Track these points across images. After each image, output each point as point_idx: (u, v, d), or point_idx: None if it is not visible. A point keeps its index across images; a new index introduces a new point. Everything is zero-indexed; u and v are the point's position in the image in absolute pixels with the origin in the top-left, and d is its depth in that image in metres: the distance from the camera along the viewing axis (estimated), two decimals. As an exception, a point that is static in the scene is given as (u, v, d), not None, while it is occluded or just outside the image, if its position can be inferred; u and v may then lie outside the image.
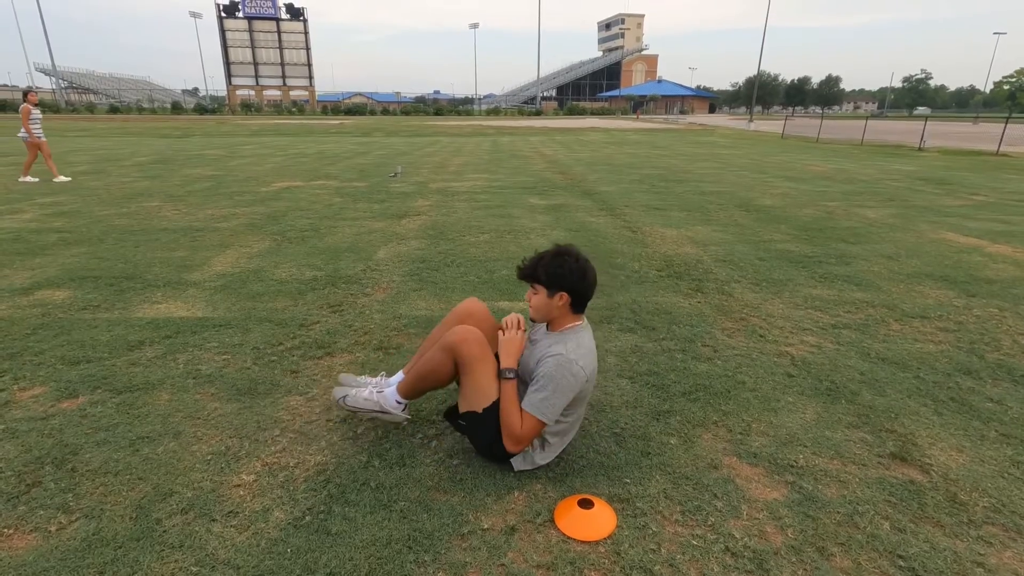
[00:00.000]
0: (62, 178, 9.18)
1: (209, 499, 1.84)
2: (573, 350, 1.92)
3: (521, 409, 1.90)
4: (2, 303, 3.58)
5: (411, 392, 2.16)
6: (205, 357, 2.87)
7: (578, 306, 2.00)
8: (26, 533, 1.69)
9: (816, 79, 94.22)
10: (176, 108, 55.67)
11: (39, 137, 9.18)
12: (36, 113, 9.19)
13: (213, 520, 1.75)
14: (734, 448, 2.15)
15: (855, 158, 15.45)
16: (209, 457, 2.06)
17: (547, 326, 2.06)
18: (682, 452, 2.12)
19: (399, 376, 2.31)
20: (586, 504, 1.79)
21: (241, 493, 1.88)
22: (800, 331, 3.29)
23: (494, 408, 1.95)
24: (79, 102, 60.02)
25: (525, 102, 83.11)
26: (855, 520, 1.78)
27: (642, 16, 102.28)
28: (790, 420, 2.35)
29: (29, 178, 9.11)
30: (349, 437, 2.20)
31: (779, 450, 2.14)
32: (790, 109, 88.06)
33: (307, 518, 1.76)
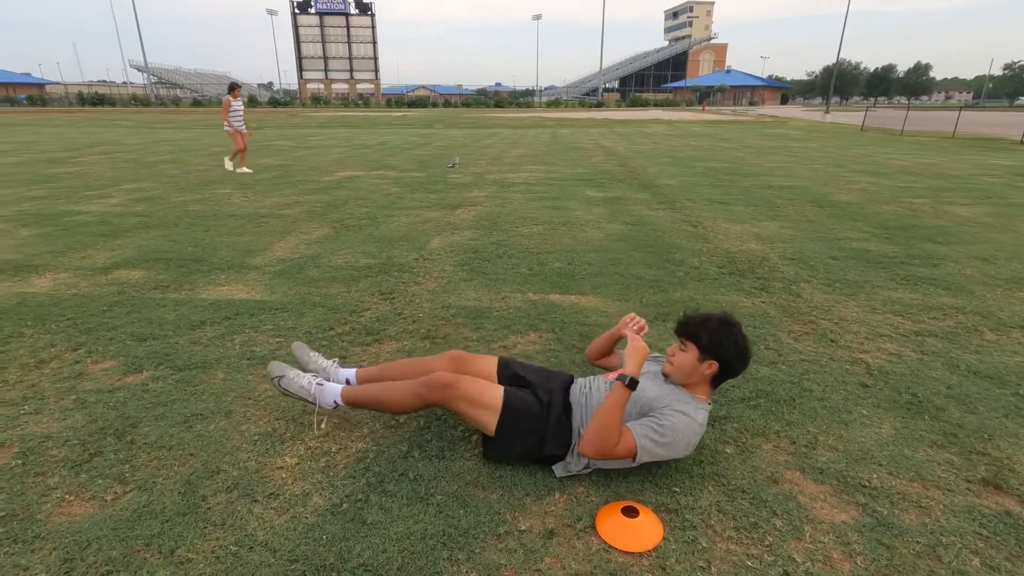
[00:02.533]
0: (244, 169, 9.39)
1: (253, 479, 1.87)
2: (700, 422, 1.83)
3: (629, 427, 1.80)
4: (85, 280, 3.84)
5: (357, 405, 2.10)
6: (260, 339, 2.94)
7: (719, 381, 1.93)
8: (84, 500, 1.77)
9: (903, 67, 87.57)
10: (252, 101, 58.63)
11: (239, 128, 9.43)
12: (236, 105, 9.45)
13: (255, 501, 1.77)
14: (797, 462, 1.98)
15: (945, 152, 14.22)
16: (256, 438, 2.10)
17: (667, 378, 1.96)
18: (739, 463, 1.97)
19: (350, 373, 2.25)
20: (631, 512, 1.68)
21: (283, 476, 1.89)
22: (877, 337, 3.01)
23: (503, 421, 1.89)
24: (167, 96, 64.32)
25: (587, 94, 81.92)
26: (938, 553, 1.58)
27: (712, 3, 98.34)
28: (863, 435, 2.14)
29: (244, 168, 9.39)
30: (391, 425, 2.18)
31: (849, 467, 1.94)
32: (871, 100, 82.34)
33: (344, 505, 1.75)
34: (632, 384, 1.81)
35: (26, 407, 2.29)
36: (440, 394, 1.94)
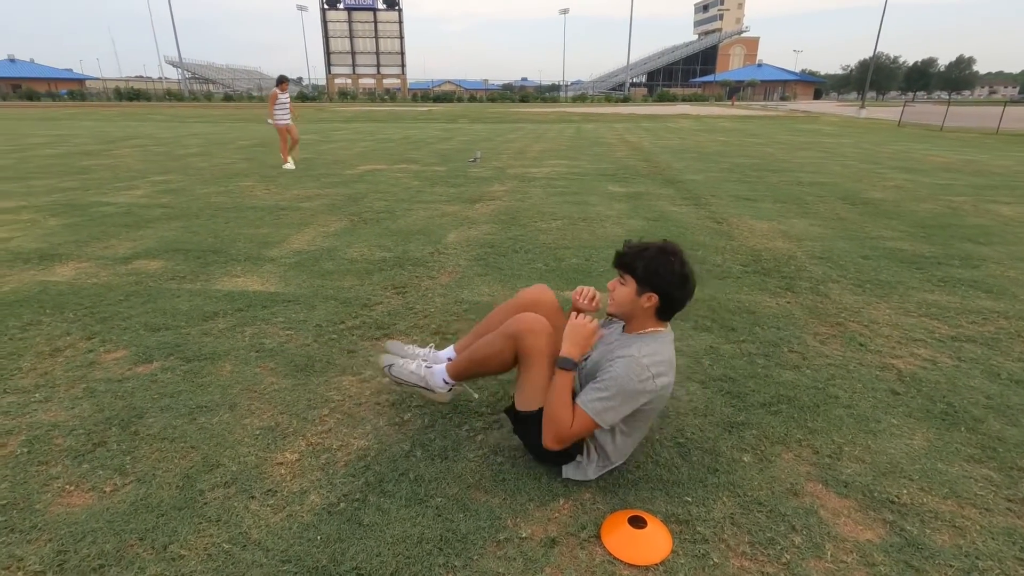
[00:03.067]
0: (288, 165, 9.10)
1: (252, 475, 1.83)
2: (648, 355, 1.70)
3: (575, 405, 1.72)
4: (105, 270, 3.88)
5: (462, 375, 2.04)
6: (270, 331, 2.92)
7: (665, 313, 1.77)
8: (84, 492, 1.75)
9: (944, 61, 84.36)
10: (281, 96, 59.60)
11: (282, 122, 9.07)
12: (283, 99, 9.07)
13: (252, 497, 1.73)
14: (820, 473, 1.86)
15: (988, 148, 13.60)
16: (258, 432, 2.07)
17: (623, 327, 1.85)
18: (756, 472, 1.86)
19: (449, 352, 2.20)
20: (638, 522, 1.59)
21: (282, 472, 1.85)
22: (910, 342, 2.85)
23: (537, 413, 1.79)
24: (199, 91, 65.75)
25: (613, 88, 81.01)
26: (973, 578, 1.45)
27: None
28: (893, 446, 2.00)
29: (289, 164, 9.10)
30: (395, 423, 2.13)
31: (877, 481, 1.82)
32: (910, 94, 79.58)
33: (342, 505, 1.70)
34: (568, 365, 1.72)
35: (37, 395, 2.30)
36: (527, 340, 1.82)
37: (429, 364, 2.12)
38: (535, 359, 1.81)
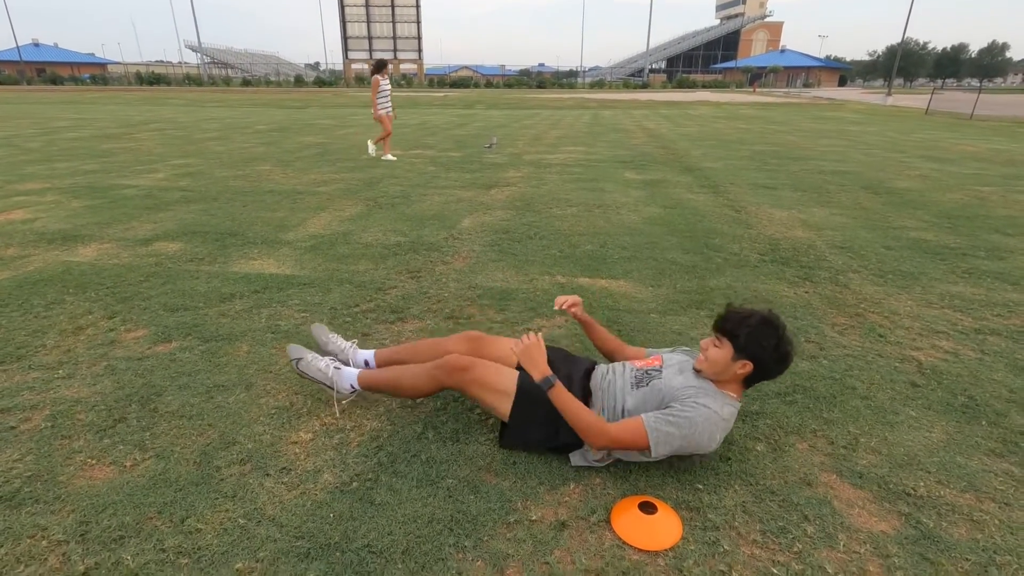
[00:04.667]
0: (389, 156, 8.52)
1: (267, 453, 1.86)
2: (725, 417, 1.70)
3: (640, 418, 1.69)
4: (126, 251, 3.95)
5: (373, 388, 2.08)
6: (286, 313, 2.96)
7: (752, 382, 1.79)
8: (105, 465, 1.80)
9: (976, 47, 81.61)
10: (299, 81, 59.68)
11: (382, 111, 8.48)
12: (384, 85, 8.44)
13: (267, 475, 1.76)
14: (835, 464, 1.84)
15: (1020, 138, 13.18)
16: (273, 411, 2.10)
17: (698, 373, 1.82)
18: (770, 462, 1.85)
19: (368, 355, 2.23)
20: (648, 508, 1.59)
21: (296, 451, 1.88)
22: (932, 334, 2.79)
23: (518, 407, 1.82)
24: (218, 76, 66.15)
25: (632, 75, 79.84)
26: (990, 572, 1.43)
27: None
28: (911, 439, 1.97)
29: (389, 156, 8.51)
30: (408, 405, 2.14)
31: (893, 473, 1.79)
32: (939, 82, 77.23)
33: (354, 484, 1.72)
34: (550, 383, 1.73)
35: (60, 371, 2.36)
36: (455, 378, 1.88)
37: (339, 365, 2.12)
38: (471, 389, 1.87)
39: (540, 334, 1.87)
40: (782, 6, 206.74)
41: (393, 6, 68.24)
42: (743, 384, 1.78)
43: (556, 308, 2.08)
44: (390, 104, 8.59)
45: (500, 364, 1.96)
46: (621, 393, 1.84)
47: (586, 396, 1.90)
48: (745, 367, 1.72)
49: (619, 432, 1.68)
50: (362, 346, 2.45)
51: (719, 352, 1.74)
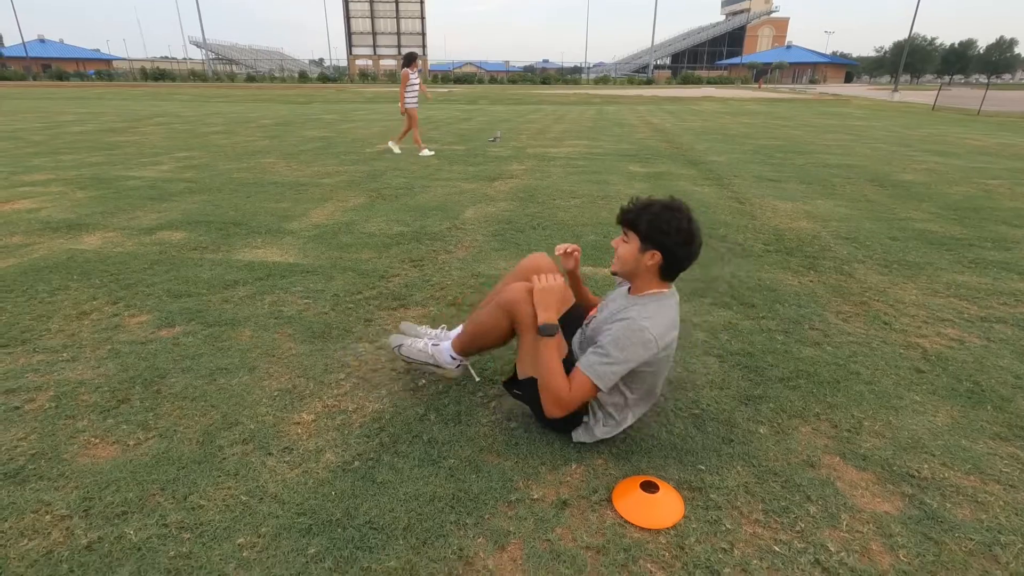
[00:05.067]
0: (426, 151, 8.33)
1: (269, 433, 1.87)
2: (648, 316, 1.67)
3: (575, 369, 1.69)
4: (130, 240, 3.96)
5: (465, 349, 2.04)
6: (289, 300, 2.96)
7: (668, 272, 1.72)
8: (109, 444, 1.81)
9: (984, 43, 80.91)
10: (303, 77, 59.69)
11: (409, 105, 8.23)
12: (413, 79, 8.16)
13: (269, 454, 1.77)
14: (838, 447, 1.83)
15: (1028, 132, 13.07)
16: (276, 393, 2.10)
17: (628, 289, 1.83)
18: (772, 444, 1.84)
19: (457, 331, 2.21)
20: (650, 487, 1.59)
21: (299, 431, 1.88)
22: (937, 322, 2.77)
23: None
24: (223, 72, 66.25)
25: (637, 71, 79.50)
26: (994, 552, 1.42)
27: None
28: (915, 423, 1.96)
29: (426, 151, 8.32)
30: (410, 388, 2.15)
31: (897, 455, 1.78)
32: (946, 78, 76.58)
33: (356, 463, 1.73)
34: (549, 331, 1.70)
35: (64, 354, 2.37)
36: (512, 310, 1.82)
37: (437, 343, 2.13)
38: (529, 327, 1.79)
39: (562, 278, 1.82)
40: (788, 2, 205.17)
41: (397, 2, 68.14)
42: (660, 278, 1.73)
43: (556, 253, 2.04)
44: (417, 99, 8.36)
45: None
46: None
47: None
48: (654, 257, 1.67)
49: (572, 393, 1.67)
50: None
51: (627, 247, 1.71)
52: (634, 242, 1.70)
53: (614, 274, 1.83)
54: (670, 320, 1.72)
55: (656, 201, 1.70)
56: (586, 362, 1.68)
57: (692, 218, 1.68)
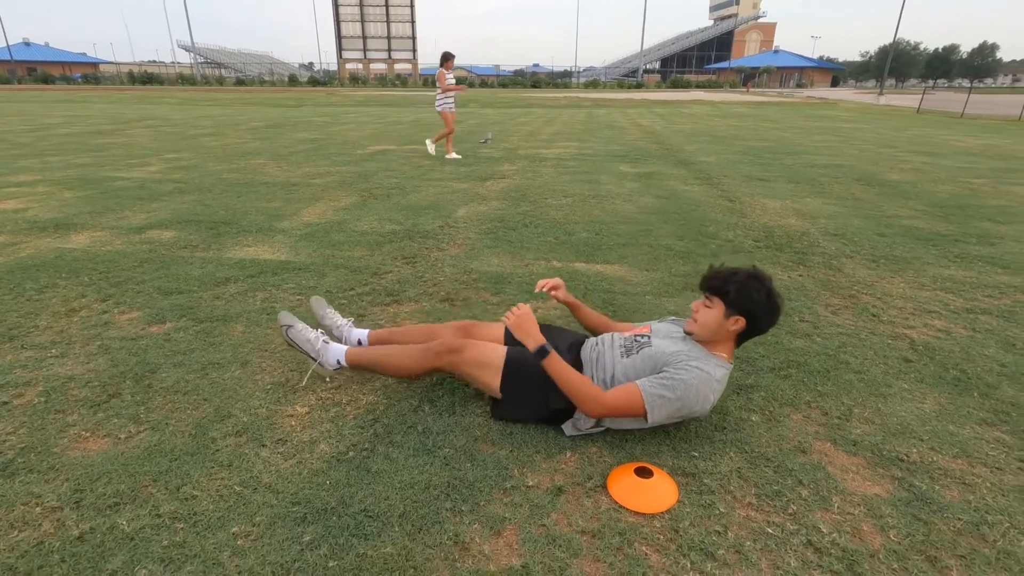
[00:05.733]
0: (453, 155, 8.16)
1: (262, 425, 1.86)
2: (718, 378, 1.72)
3: (635, 384, 1.69)
4: (119, 239, 3.93)
5: (361, 367, 2.06)
6: (281, 296, 2.95)
7: (744, 339, 1.81)
8: (100, 437, 1.79)
9: (967, 48, 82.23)
10: (293, 81, 59.47)
11: (444, 107, 8.11)
12: (449, 79, 8.01)
13: (263, 445, 1.76)
14: (829, 433, 1.85)
15: (1011, 134, 13.31)
16: (269, 387, 2.09)
17: (688, 336, 1.84)
18: (764, 431, 1.86)
19: (362, 334, 2.23)
20: (644, 473, 1.60)
21: (292, 423, 1.88)
22: (924, 313, 2.81)
23: (506, 378, 1.83)
24: (211, 75, 65.83)
25: (626, 75, 79.96)
26: (982, 531, 1.44)
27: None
28: (903, 409, 1.99)
29: (453, 154, 8.14)
30: (404, 381, 2.14)
31: (886, 441, 1.81)
32: (930, 82, 77.71)
33: (351, 453, 1.72)
34: (545, 352, 1.72)
35: (53, 351, 2.34)
36: (445, 359, 1.88)
37: (327, 340, 2.11)
38: (470, 367, 1.86)
39: (529, 305, 1.88)
40: (775, 7, 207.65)
41: (388, 6, 68.15)
42: (735, 342, 1.80)
43: (537, 291, 2.09)
44: (452, 100, 8.15)
45: (490, 343, 1.96)
46: (611, 362, 1.84)
47: (577, 368, 1.90)
48: (738, 323, 1.73)
49: (614, 399, 1.69)
50: (358, 326, 2.45)
51: (710, 312, 1.76)
52: (718, 307, 1.75)
53: (688, 334, 1.84)
54: (722, 388, 1.77)
55: (740, 270, 1.76)
56: (649, 387, 1.68)
57: (777, 291, 1.76)
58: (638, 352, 1.82)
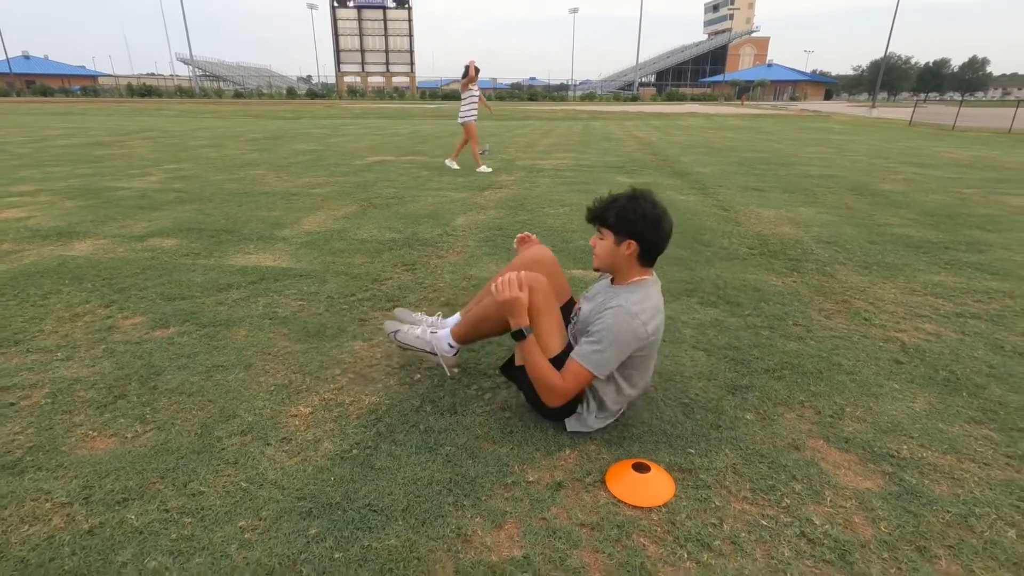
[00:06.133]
0: (483, 168, 7.99)
1: (267, 425, 1.89)
2: (636, 303, 1.75)
3: (570, 359, 1.76)
4: (121, 246, 3.97)
5: (465, 337, 2.09)
6: (283, 302, 2.99)
7: (647, 258, 1.80)
8: (107, 437, 1.82)
9: (957, 62, 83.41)
10: (291, 94, 59.86)
11: (464, 118, 7.97)
12: (472, 90, 7.88)
13: (268, 444, 1.79)
14: (822, 431, 1.90)
15: (1001, 146, 13.50)
16: (272, 388, 2.13)
17: (611, 280, 1.90)
18: (758, 429, 1.90)
19: (456, 318, 2.26)
20: (642, 468, 1.64)
21: (296, 423, 1.91)
22: (915, 317, 2.87)
23: (555, 361, 1.83)
24: (210, 88, 66.21)
25: (622, 88, 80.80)
26: (970, 523, 1.49)
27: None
28: (894, 408, 2.04)
29: (483, 168, 7.97)
30: (405, 383, 2.18)
31: (877, 438, 1.85)
32: (922, 95, 78.74)
33: (354, 451, 1.76)
34: (519, 336, 1.76)
35: (59, 354, 2.37)
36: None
37: (434, 330, 2.18)
38: (533, 315, 1.83)
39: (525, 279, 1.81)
40: (768, 22, 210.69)
41: (386, 20, 68.82)
42: (641, 266, 1.81)
43: (515, 245, 2.21)
44: (475, 111, 8.01)
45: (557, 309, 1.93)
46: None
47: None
48: (630, 246, 1.75)
49: (565, 382, 1.74)
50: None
51: (604, 243, 1.80)
52: (608, 237, 1.78)
53: (597, 270, 1.91)
54: (655, 305, 1.80)
55: (620, 195, 1.79)
56: (580, 352, 1.75)
57: (656, 202, 1.77)
58: (576, 329, 1.90)
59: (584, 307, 1.92)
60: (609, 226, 1.77)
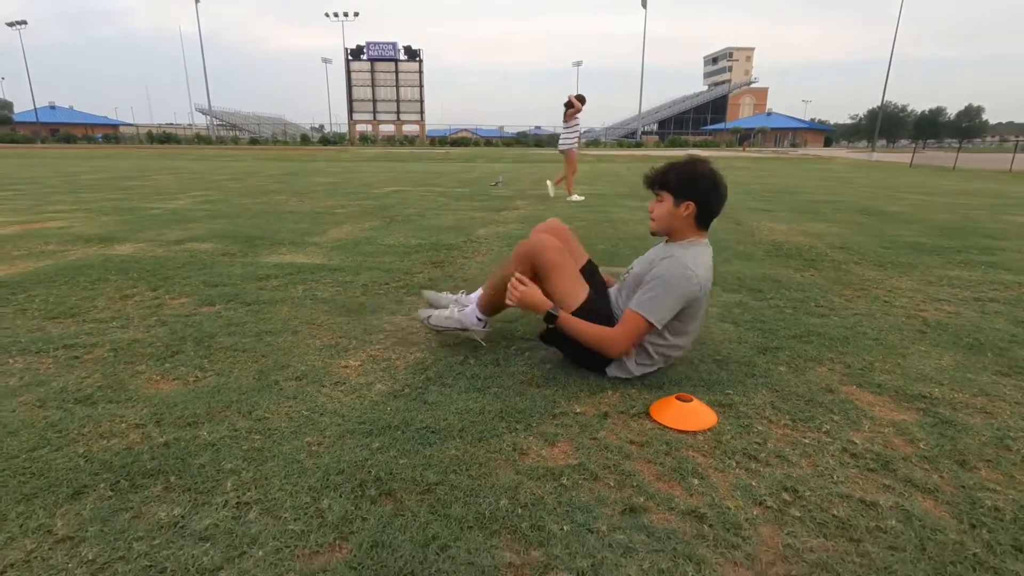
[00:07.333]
0: (576, 197, 7.93)
1: (320, 373, 1.98)
2: (690, 257, 1.86)
3: (626, 309, 1.86)
4: (161, 248, 4.14)
5: (489, 307, 2.20)
6: (320, 288, 3.11)
7: (703, 220, 1.92)
8: (170, 380, 1.91)
9: (953, 110, 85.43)
10: (304, 140, 61.89)
11: (563, 146, 8.09)
12: (575, 121, 7.97)
13: (323, 386, 1.88)
14: (853, 379, 1.97)
15: (1003, 182, 13.76)
16: (321, 348, 2.22)
17: (665, 240, 2.01)
18: (792, 377, 1.97)
19: (479, 293, 2.37)
20: (684, 399, 1.71)
21: (348, 372, 2.00)
22: (934, 301, 2.96)
23: (583, 310, 1.93)
24: (227, 136, 68.56)
25: (625, 136, 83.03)
26: (1006, 443, 1.54)
27: (752, 49, 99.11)
28: (922, 364, 2.10)
29: (576, 197, 7.90)
30: (447, 344, 2.27)
31: (908, 384, 1.92)
32: (920, 142, 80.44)
33: (406, 390, 1.84)
34: (550, 318, 1.87)
35: (114, 324, 2.49)
36: (534, 260, 1.99)
37: (461, 307, 2.28)
38: (549, 271, 1.97)
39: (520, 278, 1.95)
40: (767, 73, 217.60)
41: (397, 72, 71.65)
42: (697, 227, 1.91)
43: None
44: (576, 140, 8.04)
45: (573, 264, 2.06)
46: (620, 310, 1.98)
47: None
48: (688, 208, 1.86)
49: (624, 329, 1.83)
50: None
51: (662, 205, 1.90)
52: (667, 200, 1.90)
53: (653, 234, 2.01)
54: (707, 263, 1.91)
55: (678, 161, 1.92)
56: (637, 302, 1.84)
57: (714, 167, 1.89)
58: (625, 286, 2.00)
59: (636, 267, 2.01)
60: (669, 188, 1.89)
